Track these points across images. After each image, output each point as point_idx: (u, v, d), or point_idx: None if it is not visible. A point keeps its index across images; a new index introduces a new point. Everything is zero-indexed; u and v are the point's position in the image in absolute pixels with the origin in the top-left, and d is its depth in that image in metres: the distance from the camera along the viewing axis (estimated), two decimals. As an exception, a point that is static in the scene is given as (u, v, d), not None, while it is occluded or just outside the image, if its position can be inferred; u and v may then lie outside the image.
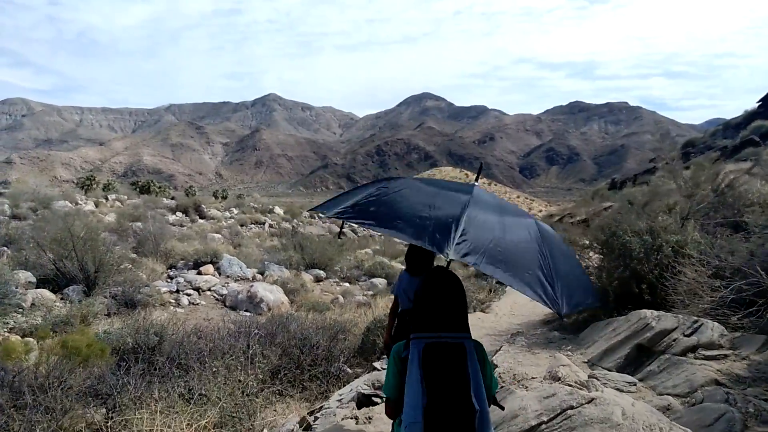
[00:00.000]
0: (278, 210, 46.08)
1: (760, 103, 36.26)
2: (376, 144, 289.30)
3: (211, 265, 14.92)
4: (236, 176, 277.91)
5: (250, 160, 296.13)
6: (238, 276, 15.09)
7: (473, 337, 2.54)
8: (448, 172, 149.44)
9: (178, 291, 12.95)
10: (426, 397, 2.35)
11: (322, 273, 16.72)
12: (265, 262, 16.31)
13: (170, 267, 15.06)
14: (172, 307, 12.09)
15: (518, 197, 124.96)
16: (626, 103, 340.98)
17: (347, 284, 16.68)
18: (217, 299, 13.20)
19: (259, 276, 15.43)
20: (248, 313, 12.45)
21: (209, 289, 13.53)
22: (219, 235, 32.02)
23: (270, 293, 12.82)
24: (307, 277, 15.96)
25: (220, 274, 15.02)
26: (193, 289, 13.21)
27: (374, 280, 16.74)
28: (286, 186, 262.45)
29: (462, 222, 2.39)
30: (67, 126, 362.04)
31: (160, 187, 51.13)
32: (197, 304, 12.59)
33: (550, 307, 2.35)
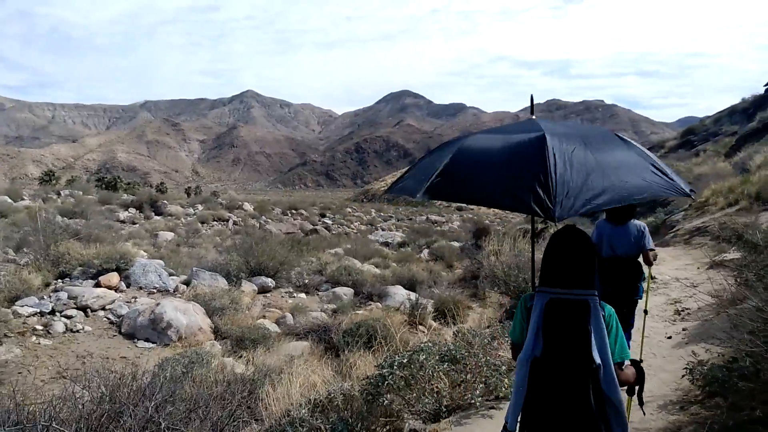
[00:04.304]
0: (247, 206, 43.00)
1: (767, 87, 34.12)
2: (355, 141, 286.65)
3: (115, 274, 11.13)
4: (213, 173, 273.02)
5: (227, 157, 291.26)
6: (155, 288, 11.35)
7: None
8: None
9: (53, 312, 9.19)
10: (540, 349, 2.43)
11: (270, 281, 13.04)
12: (194, 269, 12.56)
13: (62, 276, 11.27)
14: (35, 337, 8.37)
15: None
16: (602, 101, 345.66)
17: (303, 295, 13.05)
18: (111, 323, 9.47)
19: (183, 287, 11.72)
20: (150, 344, 8.78)
21: (104, 308, 9.79)
22: (172, 234, 28.50)
23: (183, 314, 9.14)
24: (248, 287, 12.28)
25: (129, 285, 11.26)
26: (78, 309, 9.46)
27: (338, 289, 13.12)
28: (265, 183, 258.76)
29: (553, 173, 2.19)
30: (39, 122, 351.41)
31: (128, 184, 47.73)
32: (77, 330, 8.86)
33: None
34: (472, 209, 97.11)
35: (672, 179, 2.48)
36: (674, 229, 13.16)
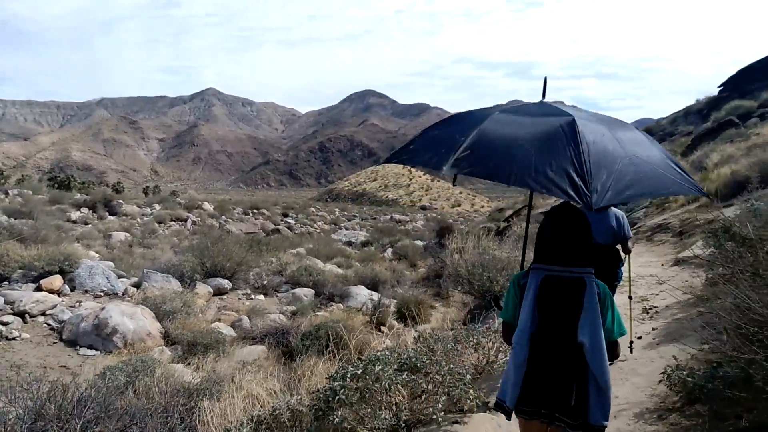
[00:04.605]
0: (207, 206, 42.02)
1: (721, 87, 35.25)
2: (319, 141, 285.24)
3: (58, 276, 10.44)
4: (173, 173, 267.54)
5: (187, 156, 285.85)
6: (102, 291, 10.72)
7: None
8: (391, 169, 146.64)
9: (-14, 318, 8.51)
10: (536, 325, 2.44)
11: (226, 283, 12.51)
12: (145, 271, 11.94)
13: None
14: (-36, 347, 7.71)
15: (461, 193, 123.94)
16: (562, 102, 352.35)
17: (262, 296, 12.57)
18: (52, 329, 8.84)
19: (133, 290, 11.11)
20: (93, 351, 8.20)
21: (44, 314, 9.14)
22: (126, 234, 27.55)
23: (130, 319, 8.58)
24: (203, 289, 11.73)
25: (74, 288, 10.59)
26: (15, 315, 8.79)
27: (298, 290, 12.69)
28: (226, 183, 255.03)
29: (586, 161, 2.17)
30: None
31: (83, 183, 46.03)
32: (14, 338, 8.21)
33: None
34: (435, 208, 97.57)
35: (690, 178, 2.48)
36: (636, 226, 13.23)
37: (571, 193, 2.08)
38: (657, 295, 6.92)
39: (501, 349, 4.46)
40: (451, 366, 3.34)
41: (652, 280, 7.56)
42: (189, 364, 7.62)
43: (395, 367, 3.18)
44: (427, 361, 3.31)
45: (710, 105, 33.29)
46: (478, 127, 2.44)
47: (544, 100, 2.75)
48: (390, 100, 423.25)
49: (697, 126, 30.25)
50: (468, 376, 3.38)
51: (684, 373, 3.30)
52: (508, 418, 2.56)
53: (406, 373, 3.16)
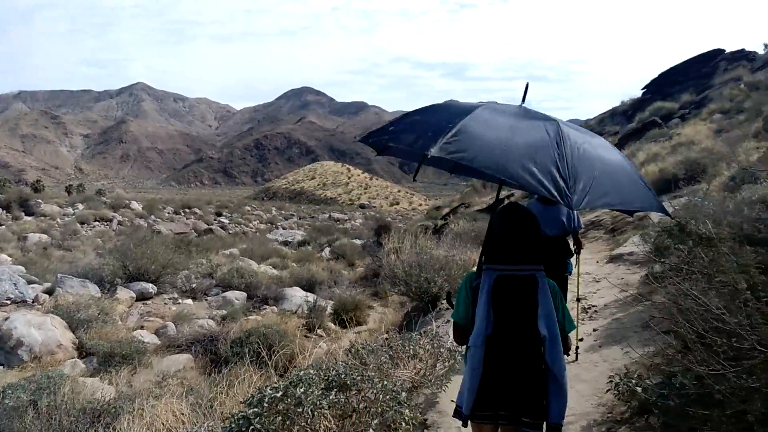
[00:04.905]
0: (135, 205, 40.19)
1: (644, 90, 36.98)
2: (255, 138, 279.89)
3: (-44, 284, 9.45)
4: (99, 171, 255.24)
5: (115, 153, 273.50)
6: (9, 298, 9.78)
7: None
8: (330, 167, 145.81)
9: None
10: (492, 326, 2.42)
11: (150, 287, 11.74)
12: (59, 276, 11.02)
13: None
14: None
15: (399, 191, 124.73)
16: (495, 102, 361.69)
17: (190, 301, 11.88)
18: (-54, 343, 7.92)
19: (46, 296, 10.20)
20: (-6, 367, 7.40)
21: (-64, 326, 8.18)
22: (44, 236, 25.86)
23: (38, 330, 7.79)
24: (125, 294, 10.95)
25: (-25, 296, 9.61)
26: None
27: (229, 293, 12.09)
28: (157, 181, 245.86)
29: (566, 166, 2.23)
30: None
31: (-1, 181, 42.97)
32: None
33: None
34: (374, 206, 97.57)
35: (655, 195, 2.55)
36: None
37: (554, 192, 2.11)
38: (595, 293, 6.88)
39: (440, 358, 4.18)
40: (385, 383, 3.03)
41: (588, 278, 7.54)
42: (102, 378, 6.98)
43: (322, 386, 2.83)
44: (358, 377, 2.98)
45: (634, 106, 34.90)
46: (464, 117, 2.43)
47: (524, 105, 2.79)
48: (328, 98, 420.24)
49: (623, 126, 31.61)
50: (403, 394, 3.07)
51: (633, 381, 3.13)
52: (464, 425, 2.54)
53: (334, 391, 2.82)
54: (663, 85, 36.41)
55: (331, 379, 2.91)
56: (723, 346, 2.26)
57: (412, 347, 4.16)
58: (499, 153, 2.26)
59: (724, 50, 38.45)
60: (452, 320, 2.81)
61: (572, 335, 2.79)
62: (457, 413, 2.56)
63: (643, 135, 23.58)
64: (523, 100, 2.82)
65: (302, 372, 2.89)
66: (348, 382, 2.90)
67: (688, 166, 11.26)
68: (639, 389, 2.96)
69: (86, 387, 6.03)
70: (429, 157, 2.37)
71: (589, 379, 4.28)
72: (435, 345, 4.14)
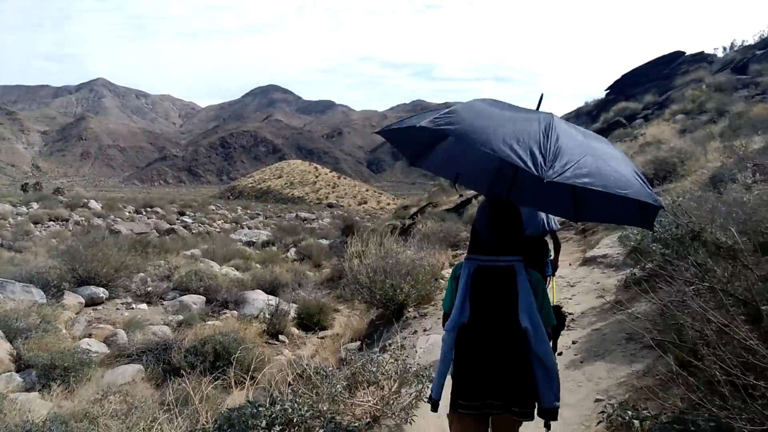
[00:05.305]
0: (94, 204, 38.80)
1: (608, 91, 37.44)
2: (221, 136, 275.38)
3: None
4: (58, 169, 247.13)
5: (74, 150, 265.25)
6: (-58, 306, 9.02)
7: None
8: (297, 165, 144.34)
9: None
10: (468, 313, 2.44)
11: (102, 291, 11.07)
12: (0, 281, 10.26)
13: None
14: None
15: (367, 191, 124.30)
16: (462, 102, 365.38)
17: (145, 305, 11.26)
18: None
19: (-16, 303, 9.46)
20: None
21: None
22: (-6, 237, 24.66)
23: (-30, 341, 7.15)
24: (73, 300, 10.27)
25: None
26: None
27: (187, 297, 11.51)
28: (119, 179, 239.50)
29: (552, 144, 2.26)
30: None
31: (-55, 180, 40.95)
32: None
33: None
34: (342, 206, 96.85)
35: (650, 188, 2.47)
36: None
37: (530, 164, 2.09)
38: (570, 299, 6.57)
39: (405, 382, 3.74)
40: (337, 418, 2.64)
41: (562, 282, 7.25)
42: (42, 393, 6.40)
43: (264, 424, 2.42)
44: (308, 413, 2.57)
45: (599, 107, 35.34)
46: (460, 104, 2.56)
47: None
48: (295, 96, 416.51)
49: (588, 126, 31.89)
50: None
51: (629, 413, 2.78)
52: (433, 409, 2.51)
53: (279, 427, 2.41)
54: (626, 86, 36.95)
55: (275, 414, 2.50)
56: (761, 389, 1.89)
57: (372, 372, 3.64)
58: (486, 129, 2.30)
59: (684, 52, 39.26)
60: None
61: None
62: (430, 398, 2.54)
63: (608, 135, 23.77)
64: (538, 108, 2.80)
65: (240, 408, 2.46)
66: (295, 419, 2.49)
67: (657, 166, 11.21)
68: (637, 423, 2.63)
69: (16, 405, 5.46)
70: (417, 127, 2.40)
71: (573, 402, 3.88)
72: (400, 366, 3.70)
